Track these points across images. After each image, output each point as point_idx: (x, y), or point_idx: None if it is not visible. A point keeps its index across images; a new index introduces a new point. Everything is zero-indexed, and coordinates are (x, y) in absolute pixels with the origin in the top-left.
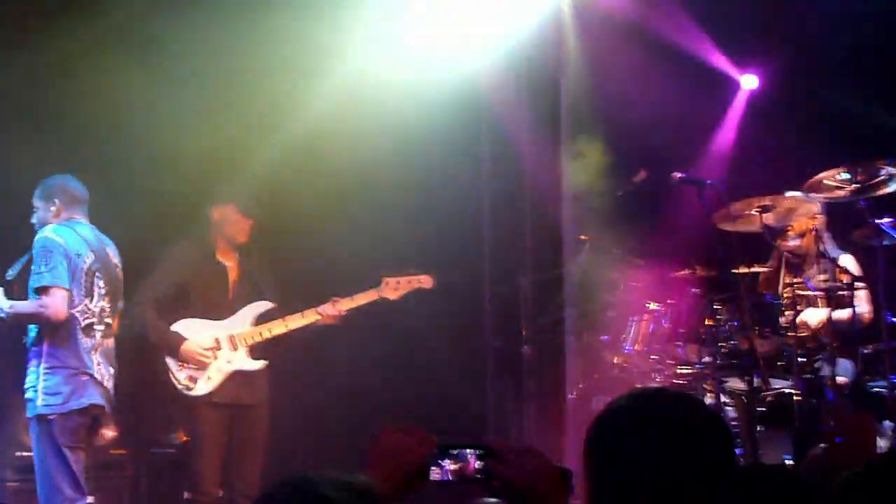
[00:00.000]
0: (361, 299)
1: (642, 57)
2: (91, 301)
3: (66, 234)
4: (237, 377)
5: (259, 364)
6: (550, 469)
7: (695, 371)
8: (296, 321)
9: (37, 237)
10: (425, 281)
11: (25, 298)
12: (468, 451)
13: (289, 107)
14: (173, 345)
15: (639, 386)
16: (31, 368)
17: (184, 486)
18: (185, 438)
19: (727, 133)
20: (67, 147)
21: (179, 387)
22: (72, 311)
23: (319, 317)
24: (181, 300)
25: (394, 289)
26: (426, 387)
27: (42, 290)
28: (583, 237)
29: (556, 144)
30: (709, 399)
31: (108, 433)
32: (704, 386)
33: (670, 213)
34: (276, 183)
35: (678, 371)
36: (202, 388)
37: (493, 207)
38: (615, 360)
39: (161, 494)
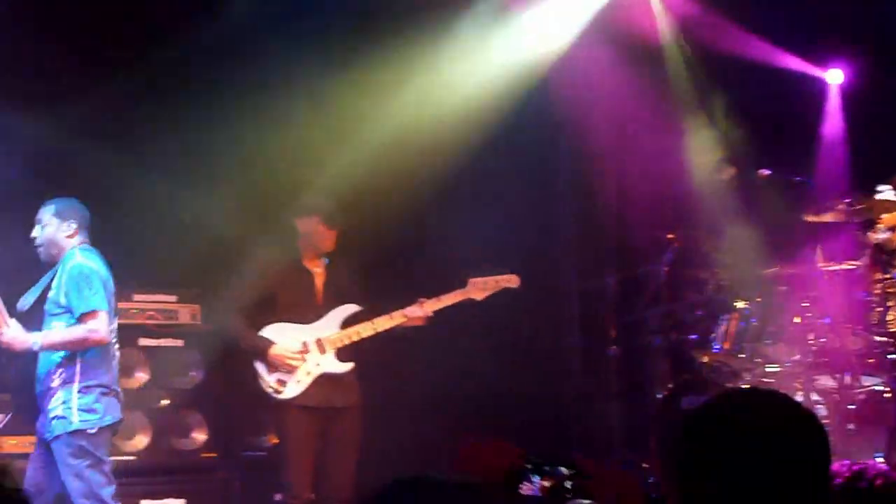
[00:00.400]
0: (448, 300)
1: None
2: (115, 321)
3: (94, 258)
4: (326, 380)
5: (347, 366)
6: (640, 493)
7: (784, 369)
8: (383, 323)
9: (71, 264)
10: (512, 281)
11: (38, 328)
12: (561, 468)
13: (371, 113)
14: (261, 349)
15: (728, 385)
16: (62, 387)
17: (275, 489)
18: (275, 441)
19: (832, 129)
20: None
21: (268, 390)
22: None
23: (406, 318)
24: (269, 306)
25: (480, 289)
26: (512, 387)
27: (90, 315)
28: (670, 235)
29: (644, 139)
30: (799, 397)
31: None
32: (794, 384)
33: (759, 210)
34: (360, 187)
35: (767, 370)
36: (291, 391)
37: (577, 207)
38: (704, 360)
39: (253, 497)
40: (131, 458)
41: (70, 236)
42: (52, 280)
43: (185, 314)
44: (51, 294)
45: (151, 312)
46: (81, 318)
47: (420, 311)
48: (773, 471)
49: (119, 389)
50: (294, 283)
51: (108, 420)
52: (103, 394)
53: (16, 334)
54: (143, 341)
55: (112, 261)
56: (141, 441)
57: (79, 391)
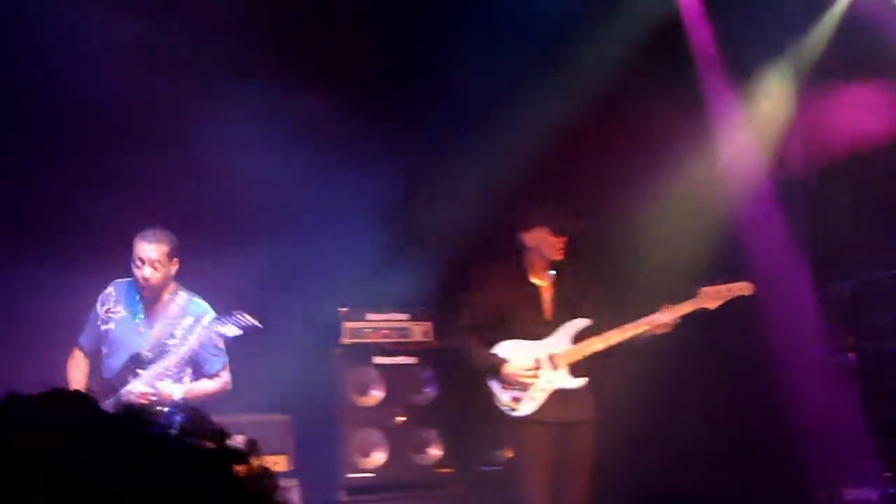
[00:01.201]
0: (682, 309)
1: None
2: None
3: None
4: (561, 396)
5: (580, 381)
6: None
7: None
8: (615, 336)
9: (208, 321)
10: (745, 288)
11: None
12: None
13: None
14: (495, 367)
15: None
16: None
17: None
18: (511, 455)
19: None
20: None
21: (503, 408)
22: None
23: (650, 327)
24: (499, 324)
25: (713, 298)
26: (744, 399)
27: (225, 368)
28: None
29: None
30: None
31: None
32: None
33: None
34: (586, 198)
35: None
36: (526, 408)
37: (810, 210)
38: None
39: None
40: (369, 474)
41: (174, 276)
42: (172, 328)
43: (418, 332)
44: (173, 344)
45: (385, 331)
46: (216, 374)
47: (665, 317)
48: None
49: None
50: (522, 299)
51: None
52: None
53: (164, 386)
54: (378, 359)
55: (347, 282)
56: (378, 458)
57: None
